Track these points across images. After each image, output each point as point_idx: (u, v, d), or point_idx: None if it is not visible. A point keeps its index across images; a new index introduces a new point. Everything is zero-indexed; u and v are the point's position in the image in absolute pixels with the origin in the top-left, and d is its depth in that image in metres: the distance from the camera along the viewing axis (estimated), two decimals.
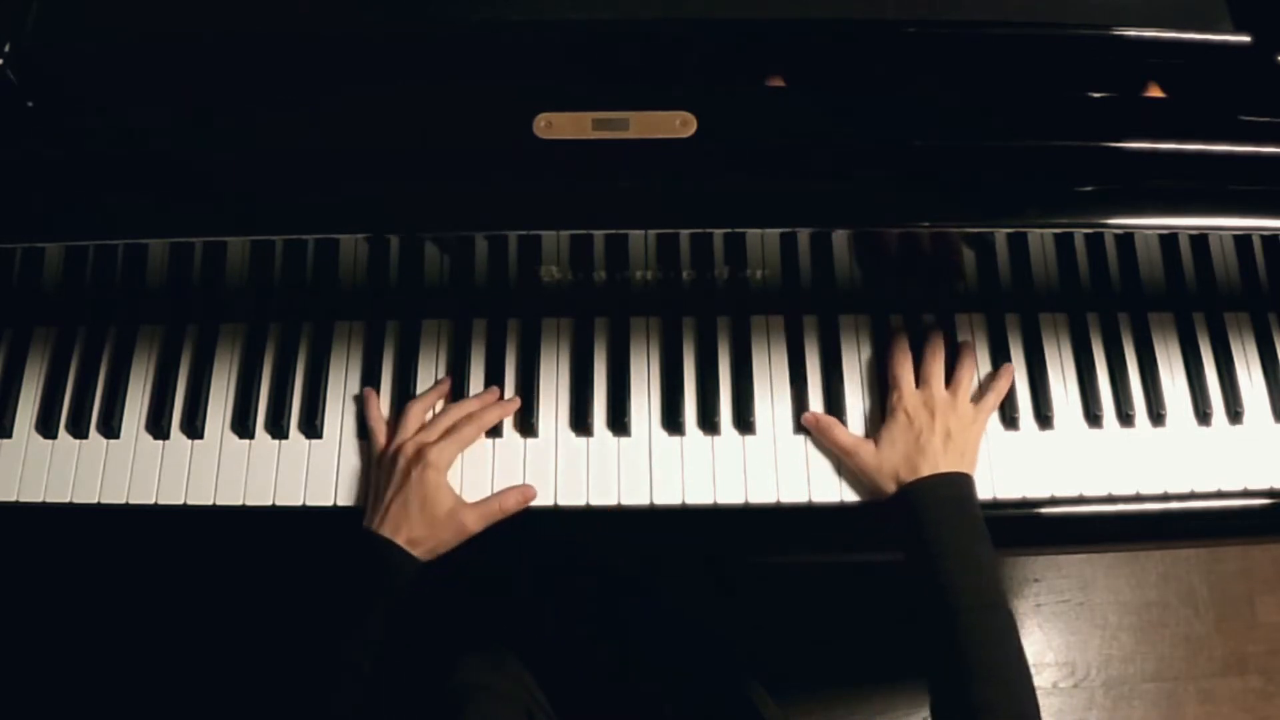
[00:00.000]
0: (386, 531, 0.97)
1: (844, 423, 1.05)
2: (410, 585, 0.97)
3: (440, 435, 1.02)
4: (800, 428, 1.05)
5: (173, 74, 0.97)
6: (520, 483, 1.03)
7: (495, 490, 1.03)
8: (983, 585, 0.93)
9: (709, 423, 1.05)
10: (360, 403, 1.06)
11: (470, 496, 1.02)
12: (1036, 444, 1.06)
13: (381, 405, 1.06)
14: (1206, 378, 1.08)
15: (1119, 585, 1.76)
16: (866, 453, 1.01)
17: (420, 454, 1.00)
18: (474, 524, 1.00)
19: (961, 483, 0.99)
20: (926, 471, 0.98)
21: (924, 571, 0.94)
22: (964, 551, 0.94)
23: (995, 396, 1.05)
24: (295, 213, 0.94)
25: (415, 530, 0.97)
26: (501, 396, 1.06)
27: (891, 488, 0.99)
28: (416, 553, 0.97)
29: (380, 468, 1.02)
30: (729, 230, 0.99)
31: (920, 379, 1.05)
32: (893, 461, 1.00)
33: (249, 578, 1.58)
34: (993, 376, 1.07)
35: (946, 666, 0.90)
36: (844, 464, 1.03)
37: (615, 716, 1.13)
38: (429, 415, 1.05)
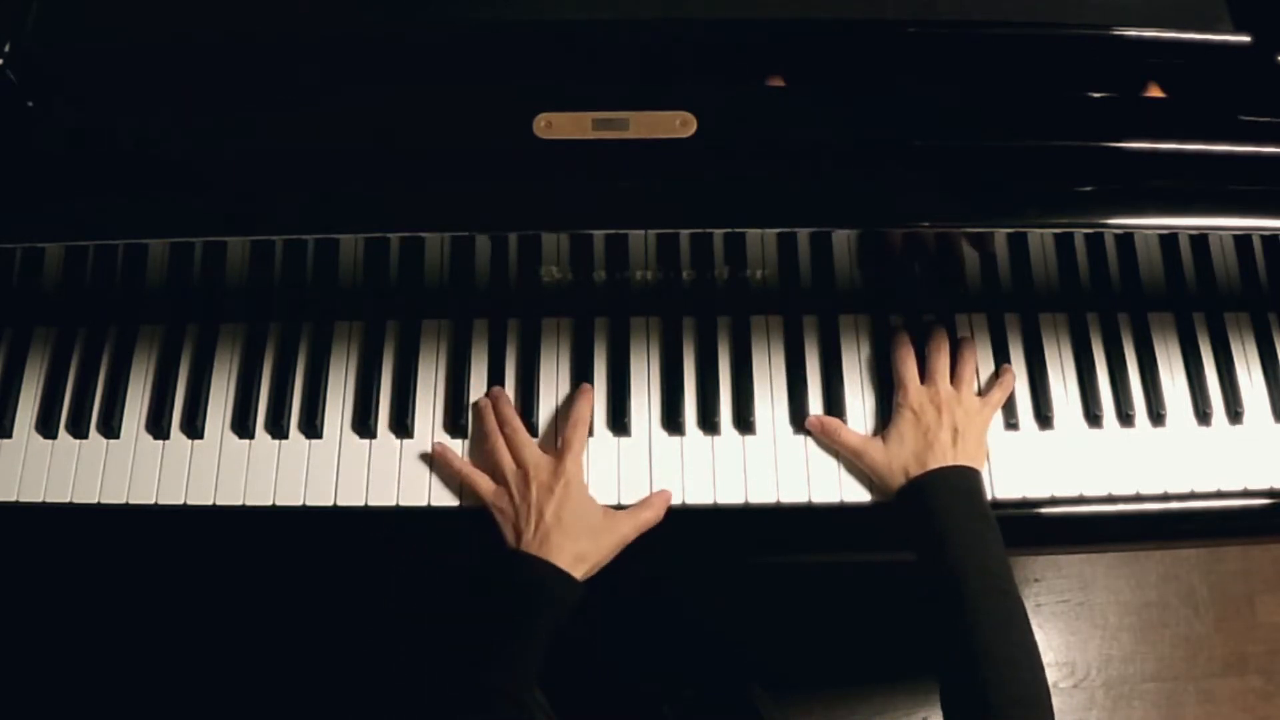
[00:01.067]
0: (550, 555, 0.94)
1: (844, 422, 1.05)
2: (572, 609, 0.94)
3: (565, 448, 1.01)
4: (800, 428, 1.05)
5: (173, 74, 0.97)
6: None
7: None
8: (992, 571, 0.93)
9: (709, 423, 1.05)
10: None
11: (469, 496, 1.02)
12: (1036, 444, 1.06)
13: (383, 406, 1.06)
14: (1206, 378, 1.08)
15: (1119, 585, 1.76)
16: (875, 451, 1.01)
17: (558, 471, 0.99)
18: (631, 532, 0.99)
19: (970, 475, 0.99)
20: (934, 464, 0.98)
21: (934, 560, 0.94)
22: (974, 539, 0.94)
23: (1001, 392, 1.05)
24: (295, 213, 0.94)
25: (581, 545, 0.95)
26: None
27: (900, 480, 0.99)
28: (581, 570, 0.95)
29: (509, 501, 0.99)
30: (729, 230, 0.99)
31: (925, 375, 1.05)
32: (902, 458, 1.00)
33: (249, 578, 1.58)
34: (996, 375, 1.07)
35: (957, 653, 0.90)
36: (852, 464, 1.03)
37: (615, 716, 1.13)
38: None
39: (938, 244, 1.05)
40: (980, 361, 1.09)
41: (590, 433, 1.04)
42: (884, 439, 1.02)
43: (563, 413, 1.06)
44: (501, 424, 1.03)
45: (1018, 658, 0.89)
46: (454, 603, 1.10)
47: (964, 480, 0.98)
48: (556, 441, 1.04)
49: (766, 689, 1.20)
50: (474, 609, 0.95)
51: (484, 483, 1.01)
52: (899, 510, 0.99)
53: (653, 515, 1.00)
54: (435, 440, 1.05)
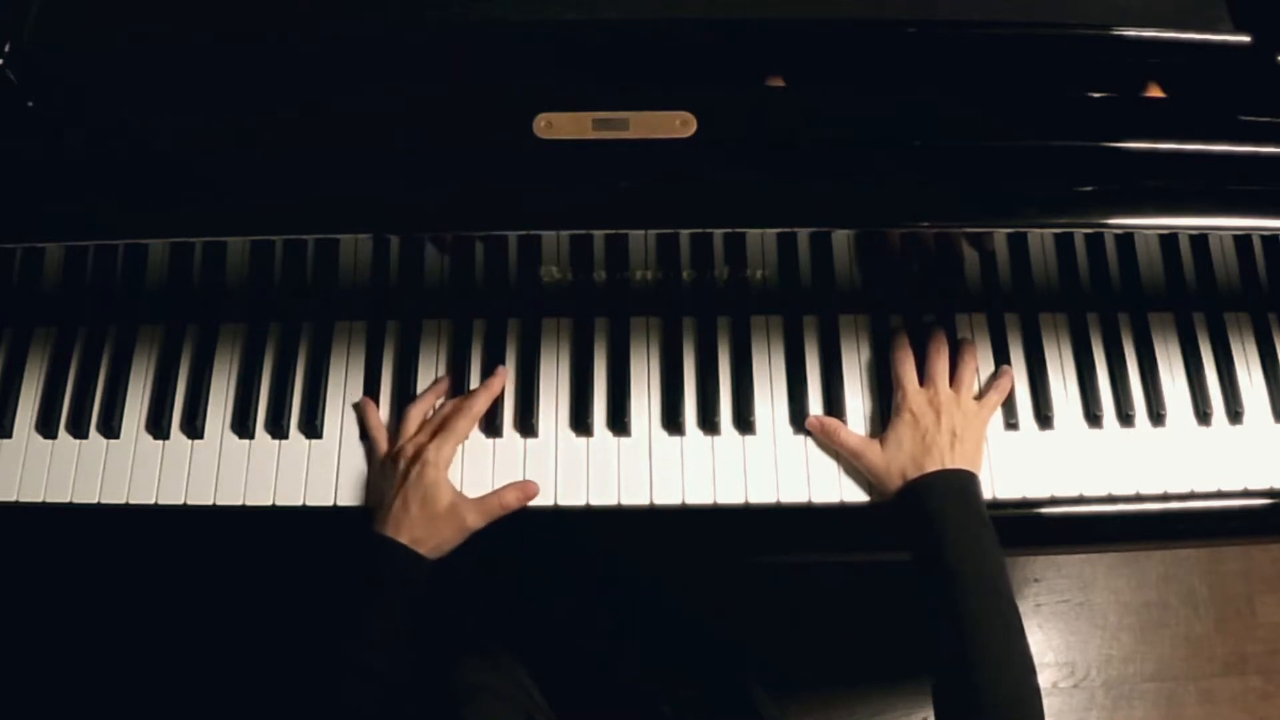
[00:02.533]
0: (390, 532, 0.97)
1: (844, 422, 1.05)
2: (419, 584, 0.97)
3: (434, 433, 1.02)
4: (800, 428, 1.05)
5: (172, 74, 0.97)
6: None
7: (493, 489, 1.03)
8: (988, 574, 0.93)
9: (709, 423, 1.05)
10: (359, 409, 1.06)
11: (470, 496, 1.02)
12: (1036, 444, 1.06)
13: (382, 406, 1.06)
14: (1206, 378, 1.08)
15: (1119, 585, 1.76)
16: (873, 453, 1.01)
17: (418, 454, 1.00)
18: (474, 520, 1.00)
19: (967, 479, 0.99)
20: (932, 468, 0.98)
21: (930, 562, 0.94)
22: (970, 541, 0.94)
23: (998, 394, 1.05)
24: (295, 213, 0.94)
25: (416, 529, 0.97)
26: (501, 395, 1.06)
27: (898, 483, 1.00)
28: (423, 550, 0.97)
29: (383, 472, 1.02)
30: (729, 230, 0.99)
31: (925, 377, 1.05)
32: (900, 461, 1.00)
33: (249, 578, 1.58)
34: (994, 376, 1.07)
35: (951, 654, 0.90)
36: (850, 465, 1.04)
37: (615, 716, 1.13)
38: (429, 415, 1.05)
39: (938, 244, 1.05)
40: (980, 361, 1.09)
41: (591, 431, 1.04)
42: (882, 441, 1.02)
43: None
44: (411, 406, 1.05)
45: (1011, 661, 0.90)
46: (451, 601, 1.10)
47: (961, 483, 0.98)
48: (556, 441, 1.04)
49: (766, 689, 1.19)
50: (336, 587, 0.98)
51: (380, 447, 1.04)
52: (896, 512, 0.99)
53: (500, 505, 1.01)
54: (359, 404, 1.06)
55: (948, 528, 0.95)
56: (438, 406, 1.06)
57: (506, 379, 1.07)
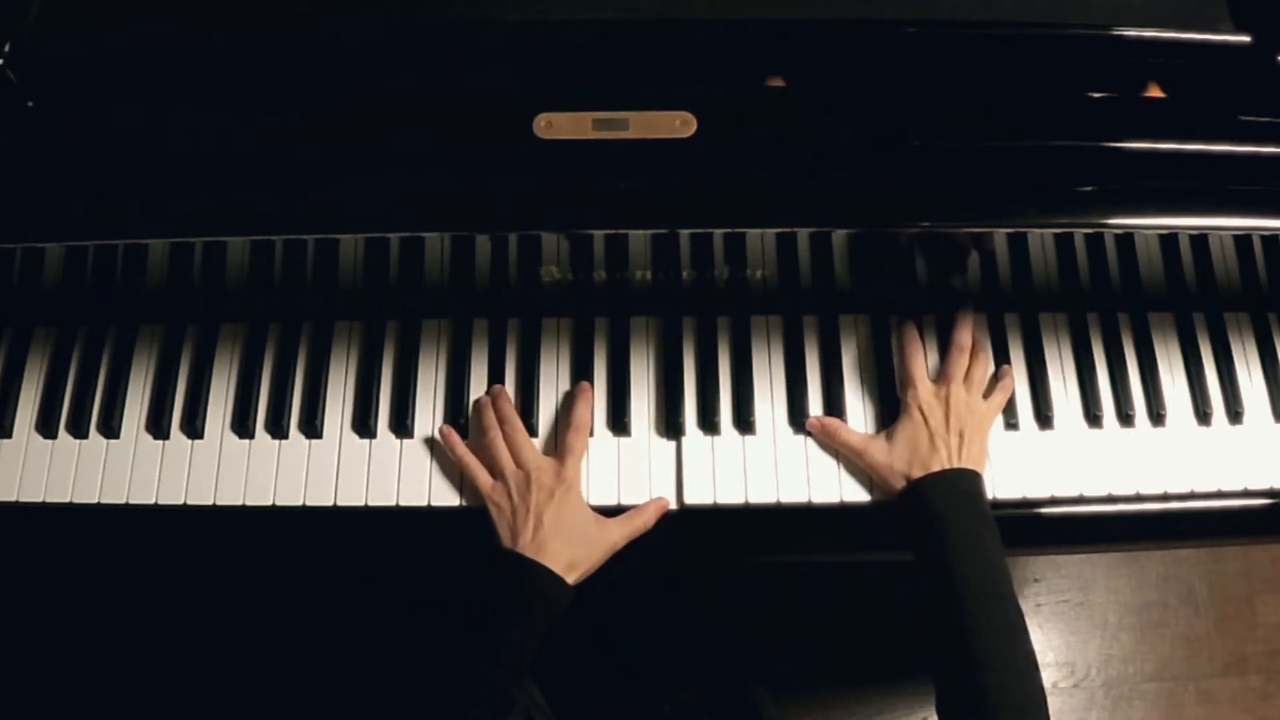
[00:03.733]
0: (546, 559, 0.95)
1: (845, 423, 1.05)
2: (563, 610, 0.96)
3: (566, 452, 1.02)
4: (800, 428, 1.05)
5: (173, 74, 0.97)
6: None
7: None
8: (991, 575, 0.93)
9: (709, 423, 1.05)
10: (444, 437, 1.04)
11: (469, 495, 1.02)
12: (1036, 444, 1.06)
13: (383, 406, 1.06)
14: (1206, 378, 1.08)
15: (1119, 585, 1.76)
16: (877, 450, 1.01)
17: (560, 477, 1.00)
18: (620, 538, 1.00)
19: (974, 479, 0.99)
20: (937, 467, 0.98)
21: (934, 563, 0.94)
22: (974, 543, 0.94)
23: (1002, 395, 1.05)
24: (295, 213, 0.94)
25: (575, 552, 0.97)
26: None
27: (901, 483, 0.99)
28: (573, 576, 0.96)
29: (507, 499, 1.00)
30: (729, 230, 0.99)
31: (941, 374, 1.04)
32: (904, 459, 1.00)
33: (249, 578, 1.58)
34: (996, 376, 1.07)
35: (954, 655, 0.90)
36: (852, 464, 1.03)
37: (615, 716, 1.13)
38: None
39: (937, 244, 1.05)
40: None
41: (590, 433, 1.05)
42: (887, 437, 1.02)
43: (562, 414, 1.06)
44: (501, 421, 1.03)
45: (1015, 664, 0.89)
46: (451, 601, 1.10)
47: (967, 484, 0.98)
48: (555, 443, 1.04)
49: (766, 689, 1.19)
50: (467, 604, 0.96)
51: (483, 476, 1.01)
52: (900, 511, 0.99)
53: (643, 523, 1.01)
54: (436, 438, 1.05)
55: (953, 531, 0.94)
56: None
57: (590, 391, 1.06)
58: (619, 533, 1.00)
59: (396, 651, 1.47)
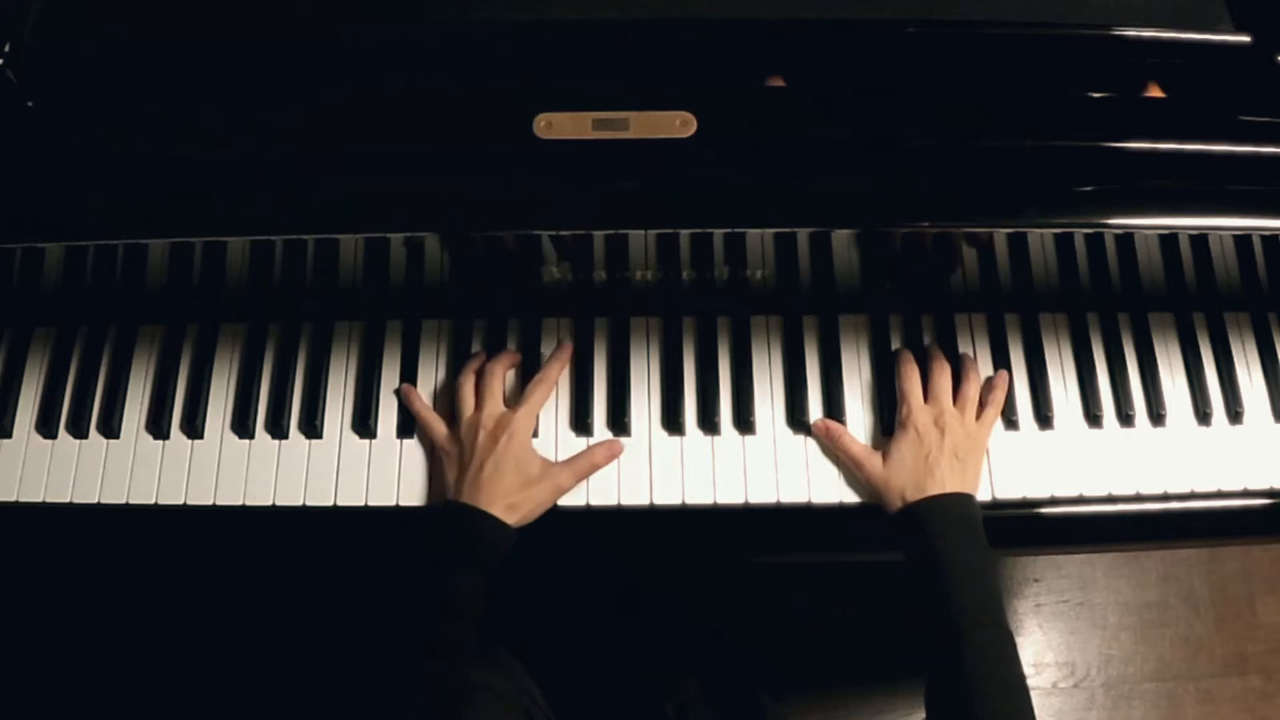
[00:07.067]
0: (481, 503, 0.97)
1: (843, 422, 1.05)
2: (505, 553, 0.97)
3: (522, 401, 1.03)
4: (800, 428, 1.05)
5: (173, 74, 0.97)
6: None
7: None
8: (987, 604, 0.93)
9: (709, 423, 1.05)
10: (403, 395, 1.06)
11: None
12: (1036, 444, 1.06)
13: (383, 405, 1.06)
14: (1206, 378, 1.08)
15: (1119, 585, 1.76)
16: (874, 466, 1.01)
17: (504, 422, 1.01)
18: (568, 481, 1.02)
19: (968, 502, 0.99)
20: (933, 490, 0.98)
21: (932, 588, 0.94)
22: (971, 571, 0.94)
23: (995, 409, 1.05)
24: (295, 212, 0.94)
25: (513, 495, 0.98)
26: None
27: (897, 503, 0.99)
28: (514, 518, 0.98)
29: (456, 445, 1.02)
30: (729, 230, 0.99)
31: (929, 394, 1.04)
32: (900, 478, 1.00)
33: (248, 578, 1.58)
34: (989, 387, 1.06)
35: (948, 681, 0.91)
36: (851, 473, 1.04)
37: (615, 716, 1.13)
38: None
39: (937, 244, 1.05)
40: (980, 362, 1.08)
41: (591, 431, 1.05)
42: (885, 455, 1.02)
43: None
44: (483, 374, 1.05)
45: (1009, 690, 0.90)
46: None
47: (961, 509, 0.98)
48: (557, 452, 1.04)
49: (766, 688, 1.19)
50: (409, 561, 0.98)
51: (438, 426, 1.04)
52: (897, 528, 0.99)
53: (590, 465, 1.02)
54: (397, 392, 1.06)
55: (949, 556, 0.95)
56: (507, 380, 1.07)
57: (571, 350, 1.07)
58: (565, 474, 1.01)
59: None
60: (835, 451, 1.04)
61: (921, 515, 0.97)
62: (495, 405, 1.03)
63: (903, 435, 1.02)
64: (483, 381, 1.04)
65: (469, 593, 0.94)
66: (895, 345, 1.09)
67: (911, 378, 1.05)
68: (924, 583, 0.95)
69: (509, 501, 0.98)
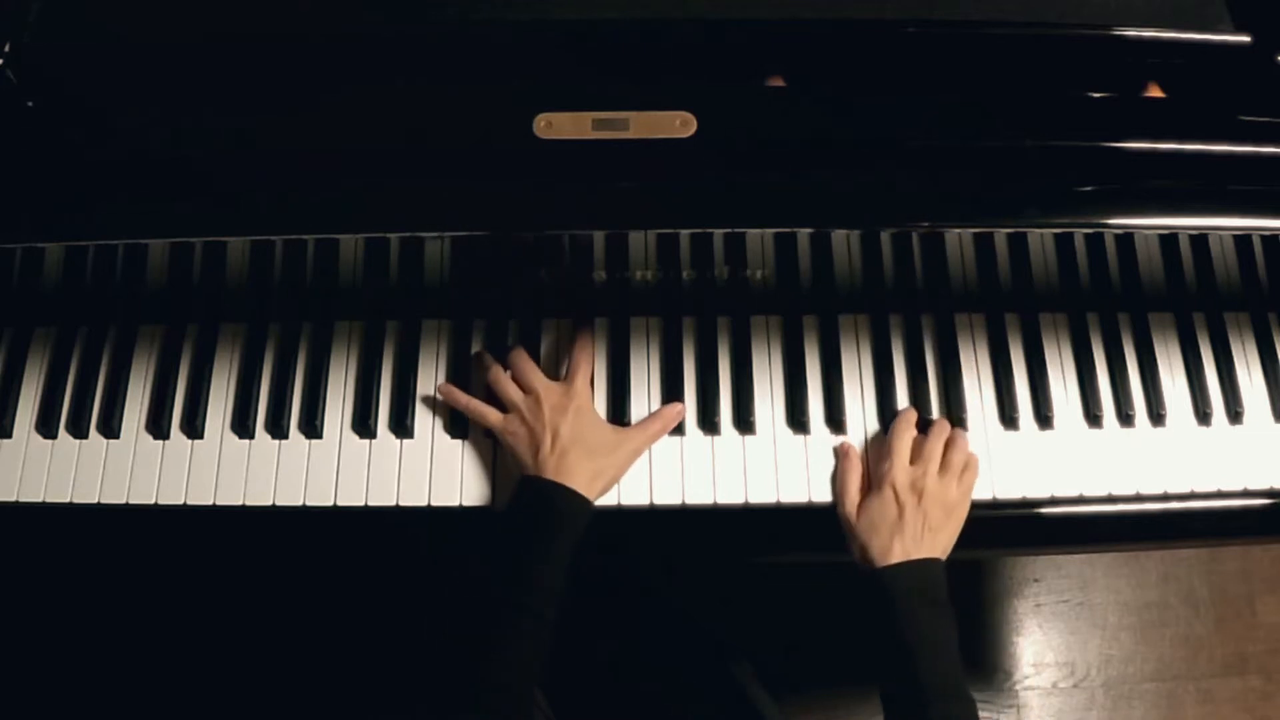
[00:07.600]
0: (565, 476, 0.97)
1: (843, 422, 1.05)
2: (585, 526, 0.97)
3: (574, 371, 1.04)
4: (800, 428, 1.05)
5: (173, 74, 0.97)
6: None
7: (495, 489, 1.03)
8: (949, 675, 0.94)
9: (709, 423, 1.05)
10: (444, 393, 1.06)
11: (469, 495, 1.02)
12: (1036, 444, 1.06)
13: (383, 405, 1.06)
14: (1206, 378, 1.08)
15: (1119, 585, 1.76)
16: (849, 510, 1.01)
17: (569, 394, 1.01)
18: (644, 443, 1.03)
19: (932, 569, 0.98)
20: (896, 557, 0.97)
21: (897, 660, 0.94)
22: (934, 644, 0.94)
23: (972, 474, 1.03)
24: (295, 213, 0.94)
25: (598, 460, 0.99)
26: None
27: (860, 558, 0.99)
28: (598, 486, 0.99)
29: (522, 425, 1.01)
30: (729, 230, 0.99)
31: (917, 454, 1.02)
32: (866, 534, 0.99)
33: (249, 578, 1.58)
34: (956, 449, 1.03)
35: None
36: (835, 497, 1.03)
37: (615, 716, 1.13)
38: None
39: (938, 244, 1.05)
40: (980, 361, 1.09)
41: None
42: (860, 507, 1.01)
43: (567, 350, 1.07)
44: (510, 364, 1.05)
45: None
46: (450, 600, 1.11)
47: (925, 577, 0.97)
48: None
49: (766, 689, 1.19)
50: (494, 541, 0.97)
51: (493, 413, 1.03)
52: (863, 585, 0.99)
53: (661, 426, 1.04)
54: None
55: (913, 634, 0.94)
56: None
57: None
58: (639, 438, 1.02)
59: (397, 655, 1.48)
60: (838, 474, 1.03)
61: (885, 584, 0.96)
62: (545, 381, 1.03)
63: (880, 494, 1.00)
64: (516, 367, 1.04)
65: (552, 566, 0.94)
66: (895, 345, 1.09)
67: (904, 435, 1.03)
68: (890, 653, 0.95)
69: (595, 468, 0.99)
